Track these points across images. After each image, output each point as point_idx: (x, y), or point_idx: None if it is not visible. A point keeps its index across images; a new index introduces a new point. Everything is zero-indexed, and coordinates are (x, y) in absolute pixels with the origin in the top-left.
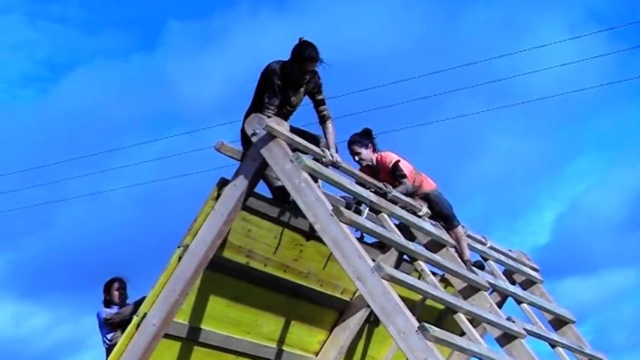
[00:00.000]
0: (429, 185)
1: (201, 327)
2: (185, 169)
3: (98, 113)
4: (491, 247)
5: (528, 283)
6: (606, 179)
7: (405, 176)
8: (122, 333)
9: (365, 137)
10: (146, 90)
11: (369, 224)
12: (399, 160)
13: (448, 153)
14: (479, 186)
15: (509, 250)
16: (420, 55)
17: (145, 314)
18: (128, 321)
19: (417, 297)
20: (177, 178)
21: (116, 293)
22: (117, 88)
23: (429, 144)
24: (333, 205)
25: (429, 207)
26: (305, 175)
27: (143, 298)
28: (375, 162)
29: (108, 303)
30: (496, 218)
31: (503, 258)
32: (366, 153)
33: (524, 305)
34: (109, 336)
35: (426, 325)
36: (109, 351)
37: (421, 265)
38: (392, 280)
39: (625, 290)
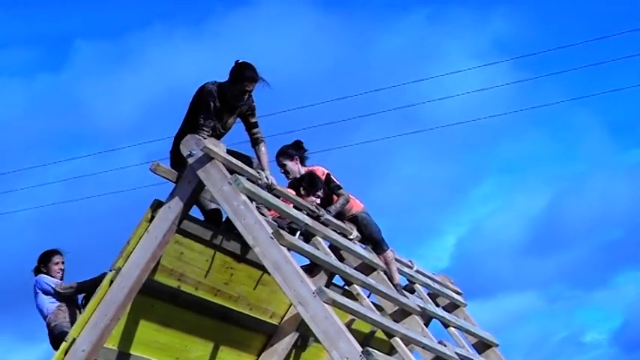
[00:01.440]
0: (357, 206)
1: (131, 352)
2: (91, 192)
3: (1, 133)
4: (417, 271)
5: (452, 306)
6: (508, 204)
7: (340, 187)
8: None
9: (293, 149)
10: (52, 110)
11: (308, 247)
12: (329, 173)
13: (354, 178)
14: (383, 211)
15: (434, 274)
16: (330, 80)
17: (74, 339)
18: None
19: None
20: (82, 200)
21: (55, 267)
22: (21, 107)
23: (334, 169)
24: (272, 229)
25: (357, 230)
26: (244, 197)
27: (104, 275)
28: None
29: (39, 273)
30: (399, 243)
31: (429, 282)
32: (291, 165)
33: (452, 329)
34: (53, 305)
35: (370, 350)
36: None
37: (357, 288)
38: (334, 304)
39: (522, 314)
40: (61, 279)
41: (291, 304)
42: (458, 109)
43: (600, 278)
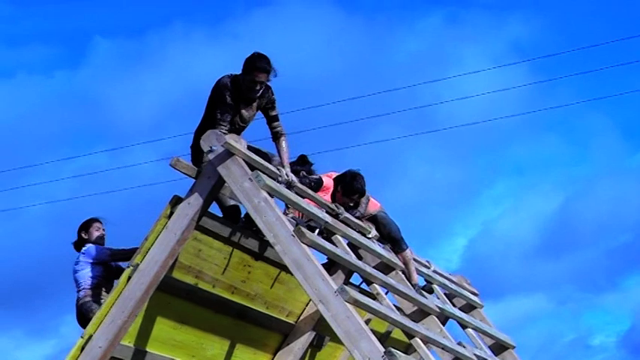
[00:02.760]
0: (375, 206)
1: (147, 350)
2: (103, 188)
3: (18, 129)
4: (434, 271)
5: (469, 307)
6: (519, 206)
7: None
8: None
9: (298, 165)
10: (69, 107)
11: (329, 246)
12: None
13: (366, 177)
14: (394, 211)
15: (450, 274)
16: (347, 80)
17: (91, 336)
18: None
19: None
20: (95, 196)
21: (96, 233)
22: (39, 104)
23: (347, 168)
24: (294, 226)
25: (376, 229)
26: (265, 194)
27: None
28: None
29: (82, 244)
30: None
31: (446, 282)
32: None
33: (469, 330)
34: (93, 280)
35: (393, 350)
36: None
37: (377, 288)
38: (355, 303)
39: (531, 315)
40: (104, 244)
41: (308, 303)
42: (472, 111)
43: (609, 281)
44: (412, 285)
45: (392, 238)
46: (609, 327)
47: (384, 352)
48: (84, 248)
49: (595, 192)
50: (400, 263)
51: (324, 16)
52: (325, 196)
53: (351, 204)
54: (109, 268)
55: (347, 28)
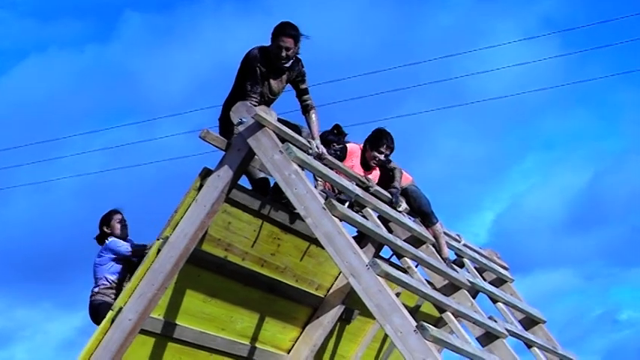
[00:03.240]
0: (406, 179)
1: (176, 322)
2: (133, 161)
3: (49, 103)
4: (465, 245)
5: (499, 282)
6: (548, 181)
7: (390, 160)
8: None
9: (333, 135)
10: (100, 82)
11: (360, 219)
12: None
13: (395, 151)
14: (422, 185)
15: (480, 248)
16: (377, 55)
17: (121, 308)
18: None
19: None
20: (123, 169)
21: (118, 225)
22: (70, 79)
23: None
24: (324, 199)
25: (407, 202)
26: (295, 166)
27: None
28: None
29: (105, 238)
30: (438, 218)
31: (476, 256)
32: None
33: (500, 304)
34: (112, 277)
35: (425, 324)
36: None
37: (408, 262)
38: (387, 277)
39: (559, 291)
40: (127, 235)
41: (337, 276)
42: (502, 85)
43: (637, 256)
44: (443, 259)
45: (422, 212)
46: (637, 302)
47: (416, 326)
48: (107, 242)
49: (624, 167)
50: (431, 237)
51: None
52: (350, 163)
53: (382, 157)
54: (131, 263)
55: (378, 2)
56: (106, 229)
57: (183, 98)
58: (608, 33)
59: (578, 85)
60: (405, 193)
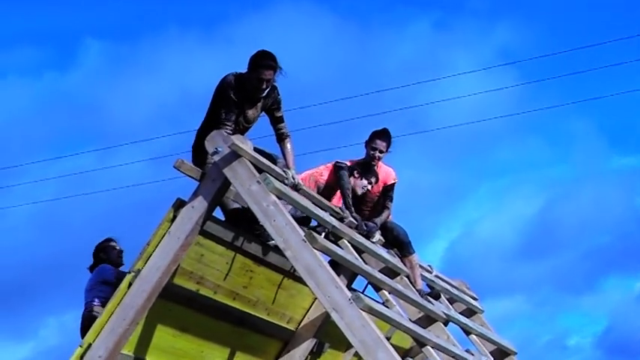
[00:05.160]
0: (389, 177)
1: (147, 359)
2: (89, 189)
3: (5, 130)
4: (436, 276)
5: (469, 312)
6: (501, 208)
7: (392, 200)
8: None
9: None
10: (57, 109)
11: (341, 252)
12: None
13: None
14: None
15: (451, 279)
16: (339, 84)
17: (90, 344)
18: None
19: None
20: (79, 197)
21: (114, 252)
22: (27, 106)
23: None
24: (304, 231)
25: (382, 233)
26: (274, 197)
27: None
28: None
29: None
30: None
31: (448, 287)
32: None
33: (473, 336)
34: (94, 301)
35: None
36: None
37: (386, 294)
38: (370, 311)
39: (509, 317)
40: (122, 262)
41: (309, 309)
42: (461, 114)
43: (587, 283)
44: (417, 290)
45: (400, 241)
46: (586, 328)
47: None
48: (97, 268)
49: (577, 194)
50: (405, 268)
51: (317, 20)
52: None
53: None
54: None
55: (339, 32)
56: (102, 256)
57: (145, 126)
58: (562, 64)
59: (532, 113)
60: (384, 227)
